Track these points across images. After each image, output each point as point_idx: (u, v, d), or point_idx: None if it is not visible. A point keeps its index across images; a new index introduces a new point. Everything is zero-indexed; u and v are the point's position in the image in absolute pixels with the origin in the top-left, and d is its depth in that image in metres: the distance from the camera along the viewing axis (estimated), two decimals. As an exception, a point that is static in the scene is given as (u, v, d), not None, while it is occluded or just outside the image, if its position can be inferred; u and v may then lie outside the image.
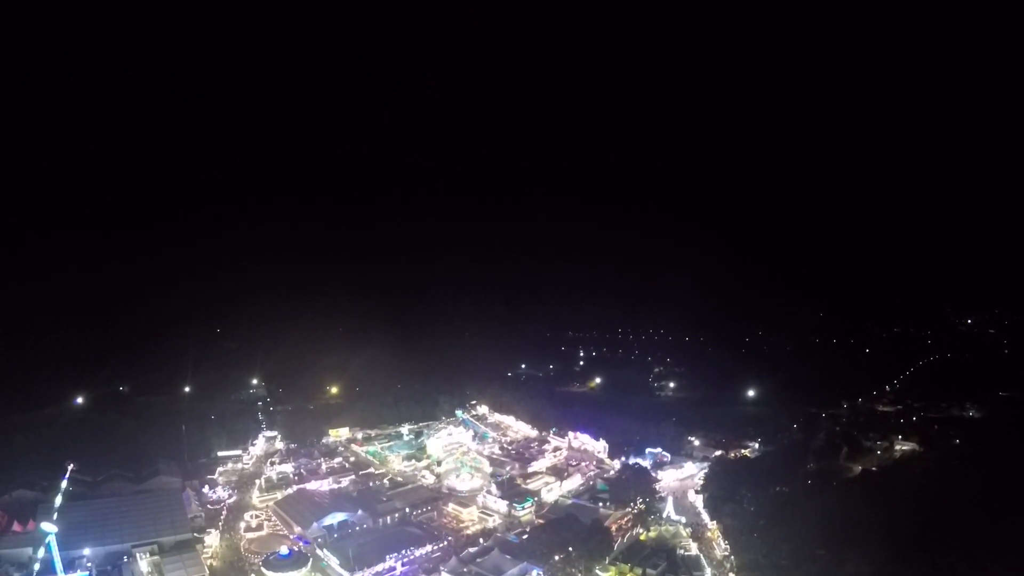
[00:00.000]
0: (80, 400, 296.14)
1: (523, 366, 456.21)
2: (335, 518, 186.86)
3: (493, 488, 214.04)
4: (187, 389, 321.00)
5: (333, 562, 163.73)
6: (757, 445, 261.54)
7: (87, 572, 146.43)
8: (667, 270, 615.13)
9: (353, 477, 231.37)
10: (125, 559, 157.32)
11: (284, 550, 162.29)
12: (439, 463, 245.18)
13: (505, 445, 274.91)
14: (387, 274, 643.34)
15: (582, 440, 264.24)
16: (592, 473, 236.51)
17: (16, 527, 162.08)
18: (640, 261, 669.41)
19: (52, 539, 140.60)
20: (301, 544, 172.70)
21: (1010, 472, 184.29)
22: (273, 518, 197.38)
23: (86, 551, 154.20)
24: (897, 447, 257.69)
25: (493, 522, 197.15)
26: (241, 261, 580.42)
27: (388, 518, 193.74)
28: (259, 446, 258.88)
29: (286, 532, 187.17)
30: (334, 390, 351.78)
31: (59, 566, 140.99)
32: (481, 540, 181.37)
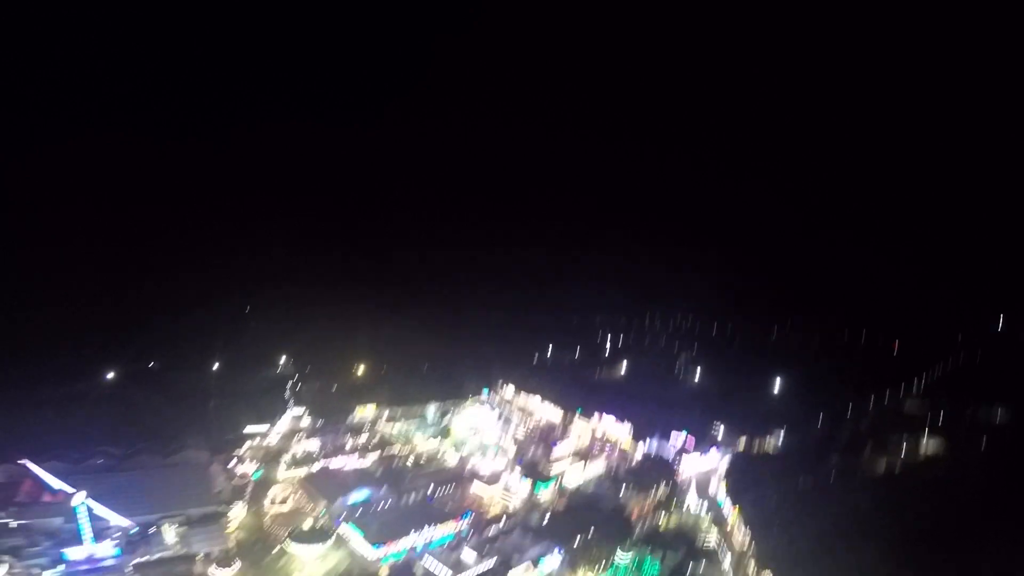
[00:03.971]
0: (110, 375, 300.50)
1: (550, 349, 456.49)
2: (359, 495, 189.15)
3: (516, 469, 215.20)
4: (216, 366, 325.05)
5: (356, 537, 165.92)
6: (781, 437, 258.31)
7: (116, 542, 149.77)
8: (696, 259, 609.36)
9: (378, 455, 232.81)
10: (152, 530, 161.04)
11: (308, 524, 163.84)
12: (463, 443, 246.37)
13: (529, 428, 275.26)
14: (416, 257, 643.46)
15: (606, 425, 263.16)
16: (615, 458, 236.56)
17: (47, 497, 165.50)
18: (669, 250, 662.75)
19: (83, 510, 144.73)
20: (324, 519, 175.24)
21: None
22: (298, 493, 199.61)
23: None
24: (923, 447, 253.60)
25: (515, 503, 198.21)
26: (271, 242, 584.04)
27: (411, 496, 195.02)
28: (286, 423, 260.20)
29: (311, 507, 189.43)
30: (361, 369, 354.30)
31: (87, 535, 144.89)
32: (503, 520, 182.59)
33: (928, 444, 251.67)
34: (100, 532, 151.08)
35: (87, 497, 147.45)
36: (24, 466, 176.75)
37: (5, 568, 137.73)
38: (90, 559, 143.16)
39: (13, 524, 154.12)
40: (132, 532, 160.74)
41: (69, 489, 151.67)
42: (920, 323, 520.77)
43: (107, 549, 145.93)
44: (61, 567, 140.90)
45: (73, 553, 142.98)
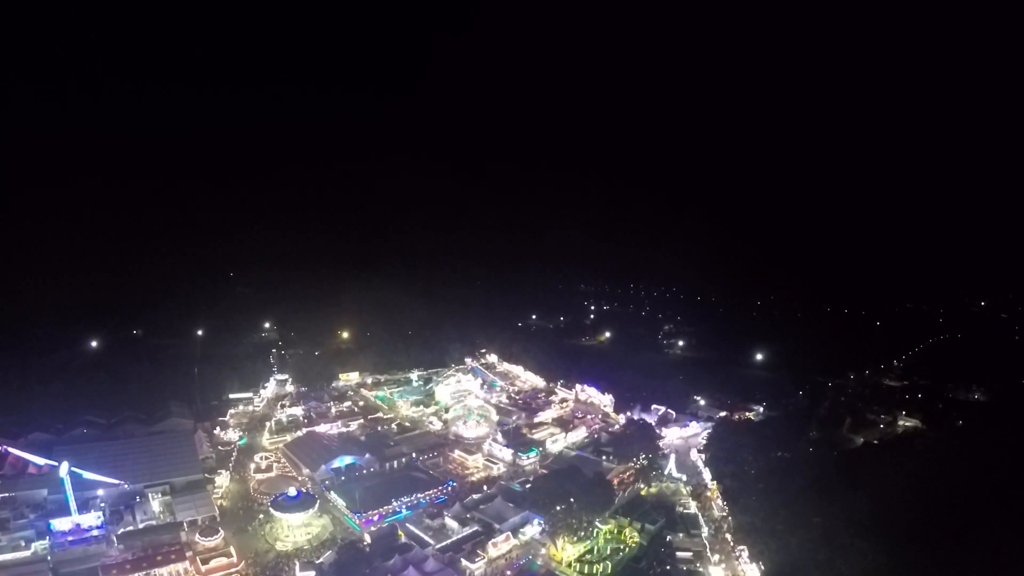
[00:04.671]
0: (94, 344, 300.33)
1: (533, 317, 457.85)
2: (343, 461, 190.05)
3: (499, 436, 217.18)
4: (200, 332, 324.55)
5: (340, 504, 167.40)
6: (762, 409, 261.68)
7: (100, 511, 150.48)
8: (682, 230, 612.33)
9: (362, 421, 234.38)
10: (137, 499, 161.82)
11: (292, 491, 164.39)
12: (447, 410, 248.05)
13: (513, 395, 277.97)
14: (400, 224, 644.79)
15: (589, 393, 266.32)
16: (597, 426, 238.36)
17: (31, 469, 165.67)
18: (655, 220, 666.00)
19: (68, 480, 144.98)
20: (308, 486, 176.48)
21: (1008, 458, 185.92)
22: (282, 460, 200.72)
23: (99, 492, 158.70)
24: (900, 423, 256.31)
25: (497, 470, 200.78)
26: (256, 210, 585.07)
27: (395, 462, 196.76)
28: (270, 389, 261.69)
29: (295, 474, 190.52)
30: (345, 335, 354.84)
31: (73, 506, 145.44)
32: (485, 487, 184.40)
33: (906, 420, 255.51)
34: (85, 503, 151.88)
35: (72, 466, 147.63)
36: (7, 440, 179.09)
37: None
38: (76, 529, 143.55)
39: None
40: (125, 487, 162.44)
41: (53, 463, 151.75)
42: (902, 301, 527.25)
43: (92, 519, 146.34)
44: (47, 538, 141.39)
45: (59, 524, 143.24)
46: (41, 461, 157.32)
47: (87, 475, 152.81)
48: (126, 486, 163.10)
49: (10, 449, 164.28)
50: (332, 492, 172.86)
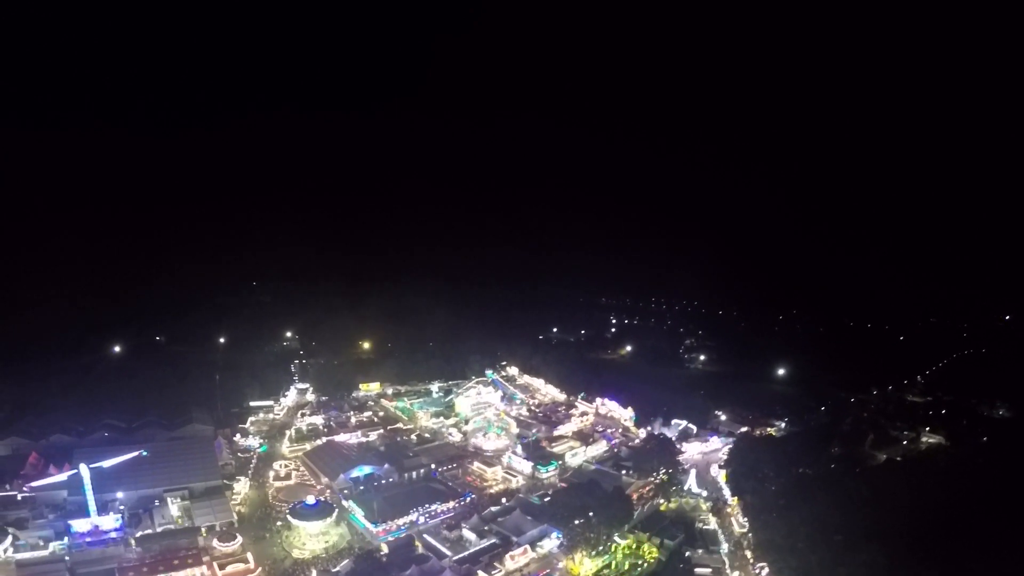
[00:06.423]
0: (117, 349, 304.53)
1: (554, 330, 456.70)
2: (362, 471, 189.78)
3: (518, 449, 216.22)
4: (222, 340, 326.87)
5: (358, 514, 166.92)
6: (783, 424, 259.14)
7: (119, 514, 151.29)
8: (704, 244, 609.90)
9: (381, 431, 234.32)
10: (156, 503, 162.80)
11: (311, 500, 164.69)
12: (467, 421, 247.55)
13: (533, 407, 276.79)
14: (422, 236, 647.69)
15: (609, 407, 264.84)
16: (617, 440, 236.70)
17: (52, 471, 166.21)
18: (677, 234, 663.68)
19: (87, 481, 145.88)
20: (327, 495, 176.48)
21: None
22: (301, 468, 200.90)
23: (119, 494, 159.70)
24: (924, 439, 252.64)
25: (517, 483, 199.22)
26: (281, 221, 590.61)
27: (414, 473, 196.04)
28: (291, 397, 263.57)
29: (313, 482, 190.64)
30: (366, 345, 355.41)
31: (92, 508, 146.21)
32: (504, 500, 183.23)
33: (929, 436, 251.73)
34: (104, 505, 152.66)
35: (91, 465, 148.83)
36: (29, 442, 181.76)
37: (9, 540, 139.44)
38: (94, 531, 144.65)
39: (18, 496, 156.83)
40: (143, 454, 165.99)
41: (74, 471, 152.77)
42: (926, 316, 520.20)
43: (111, 521, 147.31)
44: (65, 539, 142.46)
45: (78, 525, 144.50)
46: (63, 477, 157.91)
47: (108, 463, 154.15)
48: (144, 453, 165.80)
49: (31, 485, 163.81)
50: (350, 501, 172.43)
